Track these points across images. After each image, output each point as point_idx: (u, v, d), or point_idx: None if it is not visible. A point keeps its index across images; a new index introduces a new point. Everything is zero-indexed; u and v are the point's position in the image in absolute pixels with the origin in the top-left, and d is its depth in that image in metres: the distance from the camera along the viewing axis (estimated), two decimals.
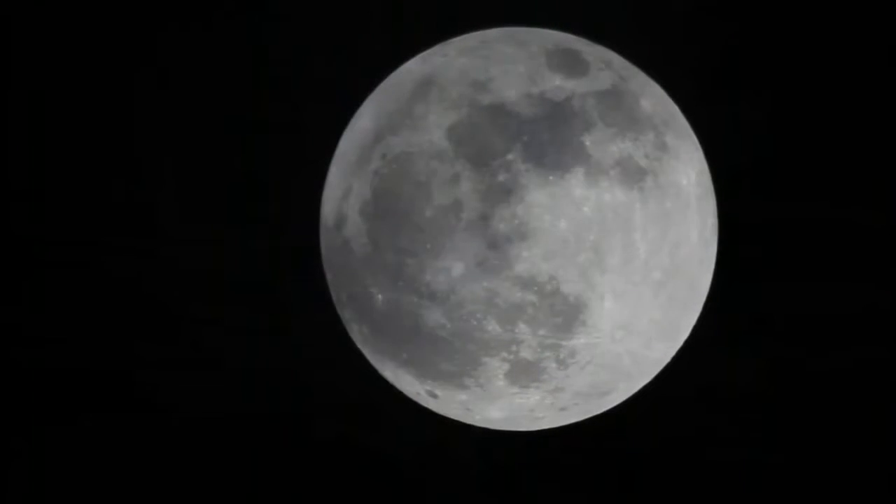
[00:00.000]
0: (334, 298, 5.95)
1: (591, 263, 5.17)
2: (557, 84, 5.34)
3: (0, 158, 7.02)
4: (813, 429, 6.91)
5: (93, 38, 6.92)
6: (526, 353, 5.33)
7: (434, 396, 5.73)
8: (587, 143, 5.22)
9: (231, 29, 6.94)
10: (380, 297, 5.45)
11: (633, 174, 5.27)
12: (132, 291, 7.01)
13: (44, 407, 7.02)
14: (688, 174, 5.54)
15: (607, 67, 5.57)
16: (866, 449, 6.88)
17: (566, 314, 5.24)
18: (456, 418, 5.99)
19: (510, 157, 5.15)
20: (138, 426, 6.99)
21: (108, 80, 6.96)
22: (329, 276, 5.94)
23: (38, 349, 7.02)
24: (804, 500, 6.88)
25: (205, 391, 7.00)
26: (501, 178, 5.13)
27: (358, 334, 5.84)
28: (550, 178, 5.14)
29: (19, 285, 7.03)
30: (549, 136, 5.20)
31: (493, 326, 5.26)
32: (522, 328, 5.25)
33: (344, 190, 5.59)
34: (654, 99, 5.63)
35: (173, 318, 7.01)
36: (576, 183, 5.15)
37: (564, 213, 5.13)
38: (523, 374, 5.43)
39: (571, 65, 5.48)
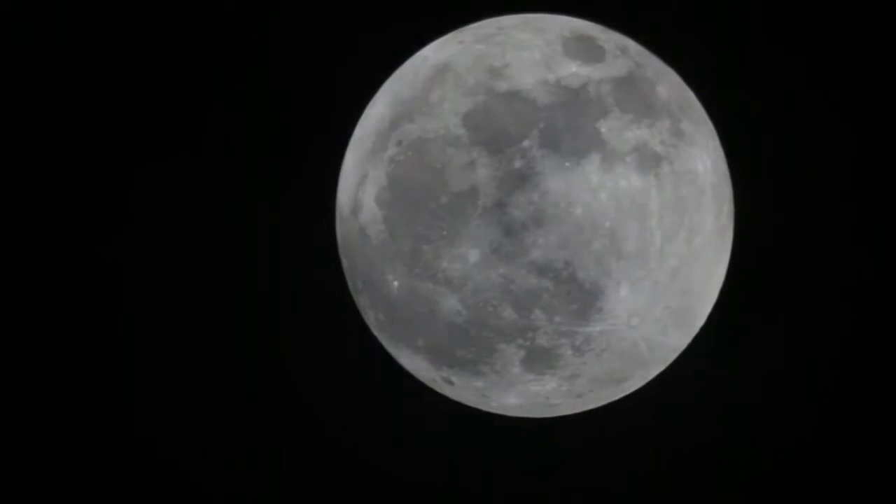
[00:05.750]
0: (350, 285, 5.96)
1: (607, 250, 5.18)
2: (573, 71, 5.35)
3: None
4: (824, 422, 6.91)
5: (97, 35, 6.93)
6: (542, 340, 5.34)
7: (450, 383, 5.74)
8: (603, 129, 5.22)
9: (244, 16, 6.94)
10: (395, 283, 5.46)
11: (648, 161, 5.27)
12: (138, 282, 7.02)
13: None
14: (704, 161, 5.54)
15: (623, 54, 5.56)
16: (882, 439, 6.88)
17: (582, 301, 5.24)
18: (472, 405, 6.00)
19: (526, 143, 5.16)
20: (140, 419, 7.02)
21: (116, 73, 6.97)
22: (345, 264, 5.95)
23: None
24: (818, 487, 6.88)
25: (213, 381, 7.01)
26: (517, 164, 5.14)
27: (373, 321, 5.85)
28: (566, 164, 5.14)
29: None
30: (565, 123, 5.20)
31: (508, 313, 5.26)
32: (538, 315, 5.25)
33: (359, 177, 5.60)
34: (670, 85, 5.63)
35: (181, 306, 7.02)
36: (591, 169, 5.16)
37: (580, 200, 5.13)
38: (539, 361, 5.43)
39: (587, 51, 5.48)
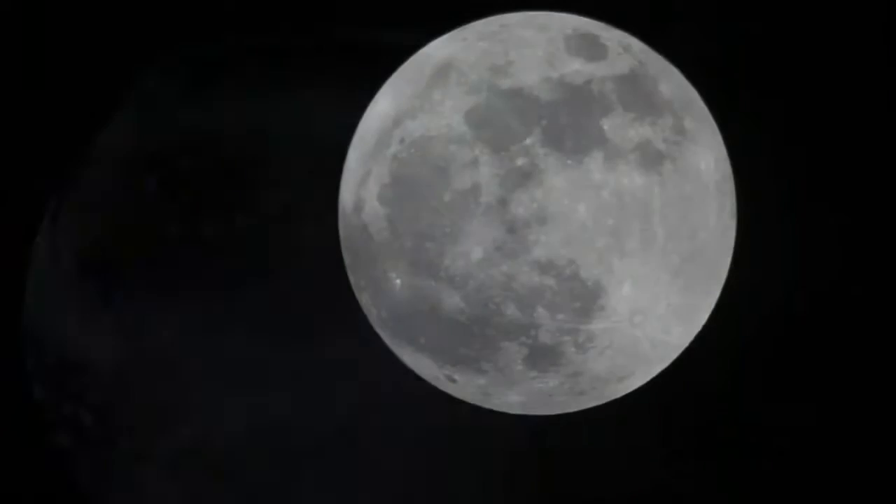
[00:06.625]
0: (352, 283, 5.95)
1: (610, 248, 5.17)
2: (576, 68, 5.34)
3: None
4: (825, 422, 6.91)
5: (98, 35, 6.94)
6: (545, 338, 5.34)
7: (452, 381, 5.74)
8: (606, 127, 5.22)
9: (246, 15, 6.95)
10: (398, 281, 5.45)
11: (651, 158, 5.27)
12: (143, 279, 7.02)
13: None
14: (707, 159, 5.54)
15: (626, 52, 5.56)
16: (882, 439, 6.89)
17: (585, 299, 5.24)
18: (475, 402, 6.00)
19: (529, 141, 5.15)
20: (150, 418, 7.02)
21: (117, 69, 6.97)
22: (347, 261, 5.94)
23: None
24: (818, 488, 6.89)
25: (213, 380, 7.02)
26: (520, 162, 5.14)
27: (376, 319, 5.84)
28: (569, 162, 5.14)
29: None
30: (568, 121, 5.19)
31: (511, 311, 5.26)
32: (541, 312, 5.25)
33: (362, 174, 5.60)
34: (673, 83, 5.62)
35: (186, 302, 7.02)
36: (594, 167, 5.15)
37: (583, 198, 5.13)
38: (542, 358, 5.43)
39: (590, 49, 5.47)
